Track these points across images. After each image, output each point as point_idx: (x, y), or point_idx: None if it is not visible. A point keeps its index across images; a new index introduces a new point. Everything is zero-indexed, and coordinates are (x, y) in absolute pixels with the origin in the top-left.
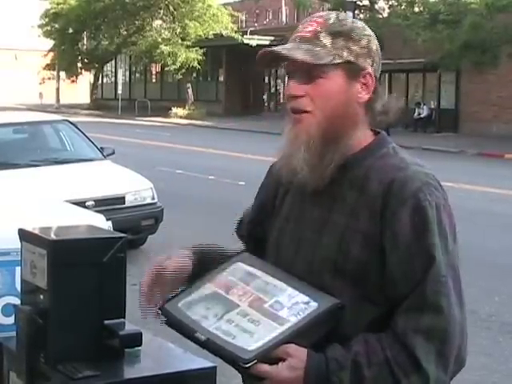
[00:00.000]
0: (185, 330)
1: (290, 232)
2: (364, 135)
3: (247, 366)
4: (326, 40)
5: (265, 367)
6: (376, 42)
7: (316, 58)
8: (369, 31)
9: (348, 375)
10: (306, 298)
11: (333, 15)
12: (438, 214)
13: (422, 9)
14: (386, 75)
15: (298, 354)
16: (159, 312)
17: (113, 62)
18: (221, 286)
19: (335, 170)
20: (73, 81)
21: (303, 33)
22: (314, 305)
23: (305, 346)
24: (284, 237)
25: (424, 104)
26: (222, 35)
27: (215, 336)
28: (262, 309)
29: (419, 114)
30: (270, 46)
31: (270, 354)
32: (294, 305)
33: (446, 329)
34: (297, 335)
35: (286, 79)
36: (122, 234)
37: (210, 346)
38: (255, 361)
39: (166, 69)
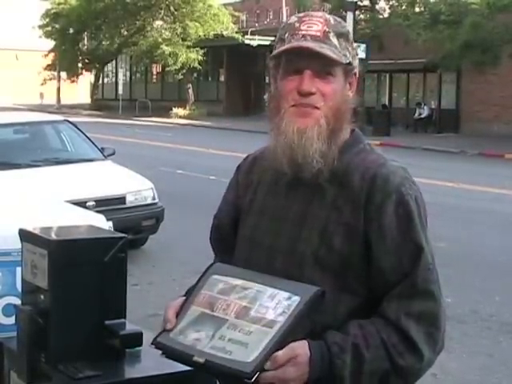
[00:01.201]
0: (182, 357)
1: (266, 227)
2: (347, 132)
3: (252, 380)
4: (335, 40)
5: (268, 374)
6: None
7: (340, 57)
8: None
9: (349, 357)
10: (287, 294)
11: (329, 16)
12: (418, 206)
13: (422, 9)
14: (387, 75)
15: (302, 351)
16: (152, 347)
17: (113, 62)
18: (205, 305)
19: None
20: (73, 81)
21: (312, 32)
22: (296, 299)
23: (302, 338)
24: (259, 232)
25: (424, 104)
26: (222, 35)
27: (212, 356)
28: (249, 317)
29: (420, 114)
30: (270, 46)
31: (268, 360)
32: (278, 304)
33: (437, 313)
34: (289, 332)
35: (287, 74)
36: (123, 234)
37: (210, 366)
38: (258, 373)
39: (167, 69)
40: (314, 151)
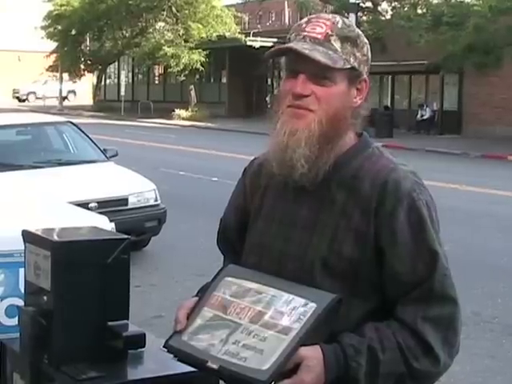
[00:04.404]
0: (195, 362)
1: (275, 232)
2: (350, 137)
3: None
4: (337, 44)
5: (286, 382)
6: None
7: (333, 62)
8: (366, 39)
9: (365, 359)
10: (303, 301)
11: (339, 19)
12: (429, 211)
13: (424, 11)
14: (389, 77)
15: (312, 353)
16: (164, 350)
17: (116, 63)
18: (218, 308)
19: (328, 170)
20: (74, 82)
21: (313, 33)
22: (312, 305)
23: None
24: (268, 237)
25: (426, 106)
26: (225, 37)
27: (226, 362)
28: (264, 322)
29: (422, 116)
30: (273, 47)
31: (284, 368)
32: (293, 310)
33: (454, 317)
34: (305, 340)
35: (287, 74)
36: (126, 236)
37: (225, 373)
38: (273, 382)
39: (169, 70)
40: (299, 155)
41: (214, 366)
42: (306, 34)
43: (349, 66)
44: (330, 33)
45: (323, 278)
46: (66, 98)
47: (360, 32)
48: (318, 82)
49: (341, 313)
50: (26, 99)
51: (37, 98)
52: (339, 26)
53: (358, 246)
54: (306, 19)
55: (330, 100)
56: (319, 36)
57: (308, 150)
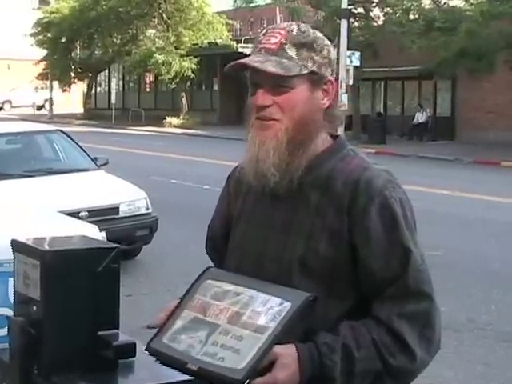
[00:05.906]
0: (176, 364)
1: (254, 235)
2: (324, 139)
3: None
4: (292, 51)
5: (259, 381)
6: (334, 51)
7: (286, 70)
8: (327, 41)
9: (339, 357)
10: (279, 300)
11: (294, 26)
12: (403, 208)
13: (417, 16)
14: (382, 83)
15: (286, 351)
16: (146, 352)
17: (106, 71)
18: (198, 310)
19: (302, 173)
20: (65, 90)
21: (268, 44)
22: (287, 305)
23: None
24: (247, 240)
25: (423, 110)
26: (216, 44)
27: (205, 363)
28: (242, 322)
29: (418, 120)
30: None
31: (260, 366)
32: (269, 309)
33: (430, 313)
34: (280, 338)
35: (250, 88)
36: (115, 245)
37: (203, 374)
38: (248, 380)
39: (160, 78)
40: (269, 165)
41: (194, 368)
42: (261, 46)
43: (306, 72)
44: (283, 41)
45: (301, 278)
46: (42, 106)
47: (318, 35)
48: (277, 92)
49: (318, 314)
50: (2, 108)
51: (12, 107)
52: (294, 33)
53: (333, 245)
54: (264, 31)
55: (292, 106)
56: (273, 46)
57: (277, 159)
